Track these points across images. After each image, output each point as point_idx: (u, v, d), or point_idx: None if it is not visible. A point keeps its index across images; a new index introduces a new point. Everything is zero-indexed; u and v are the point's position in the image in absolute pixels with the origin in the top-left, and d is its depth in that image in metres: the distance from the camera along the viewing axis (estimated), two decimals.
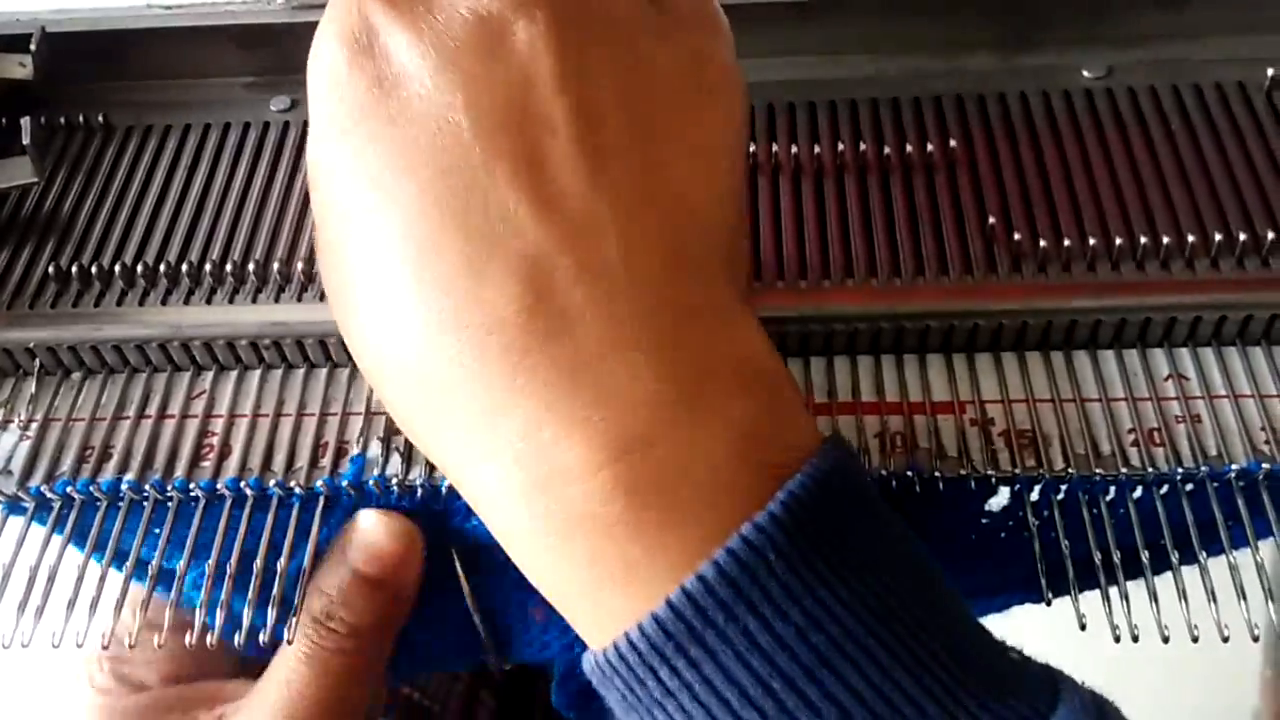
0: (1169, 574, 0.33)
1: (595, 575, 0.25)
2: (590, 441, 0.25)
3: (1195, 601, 0.32)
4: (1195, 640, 0.31)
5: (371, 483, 0.34)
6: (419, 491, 0.34)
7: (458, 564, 0.37)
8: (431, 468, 0.35)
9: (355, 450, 0.35)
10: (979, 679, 0.25)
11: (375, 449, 0.35)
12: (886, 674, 0.24)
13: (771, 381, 0.27)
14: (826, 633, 0.24)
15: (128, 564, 0.34)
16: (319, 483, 0.34)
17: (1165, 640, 0.31)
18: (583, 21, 0.28)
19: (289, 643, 0.33)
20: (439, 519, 0.35)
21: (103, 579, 0.33)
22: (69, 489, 0.35)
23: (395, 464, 0.35)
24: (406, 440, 0.35)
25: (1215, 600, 0.32)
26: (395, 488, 0.34)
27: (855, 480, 0.26)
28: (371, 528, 0.35)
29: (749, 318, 0.28)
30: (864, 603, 0.24)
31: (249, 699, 0.35)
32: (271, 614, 0.33)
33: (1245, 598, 0.32)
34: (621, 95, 0.28)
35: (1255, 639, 0.31)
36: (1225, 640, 0.32)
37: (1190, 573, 0.33)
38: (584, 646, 0.40)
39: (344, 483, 0.34)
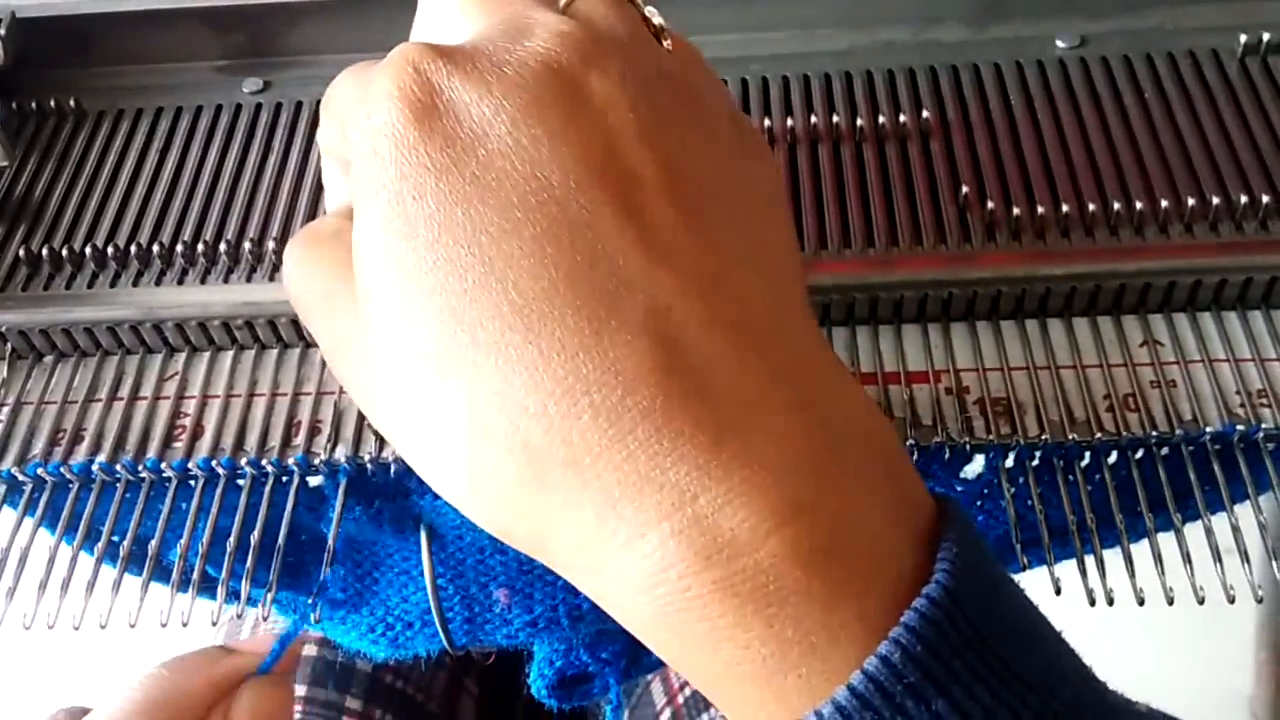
0: (1145, 541, 0.33)
1: (769, 656, 0.23)
2: (754, 506, 0.22)
3: (1171, 566, 0.32)
4: (1171, 603, 0.31)
5: (344, 459, 0.34)
6: (392, 468, 0.34)
7: (424, 543, 0.37)
8: None
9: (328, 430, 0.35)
10: None
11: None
12: None
13: (887, 439, 0.26)
14: (1013, 709, 0.22)
15: (99, 545, 0.34)
16: (292, 461, 0.34)
17: (1140, 603, 0.31)
18: (647, 77, 0.26)
19: (264, 619, 0.33)
20: (408, 497, 0.35)
21: (74, 560, 0.33)
22: (40, 471, 0.35)
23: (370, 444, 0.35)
24: None
25: (1191, 564, 0.32)
26: (370, 465, 0.34)
27: (983, 540, 0.25)
28: (253, 698, 0.36)
29: (849, 373, 0.27)
30: (1036, 674, 0.23)
31: None
32: (245, 587, 0.33)
33: (1221, 561, 0.32)
34: (695, 150, 0.26)
35: (1231, 601, 0.31)
36: (1201, 603, 0.31)
37: (1166, 539, 0.33)
38: (548, 627, 0.40)
39: (316, 461, 0.34)
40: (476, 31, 0.26)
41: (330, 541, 0.35)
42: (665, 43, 0.28)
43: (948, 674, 0.22)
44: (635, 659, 0.45)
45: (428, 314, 0.24)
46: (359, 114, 0.25)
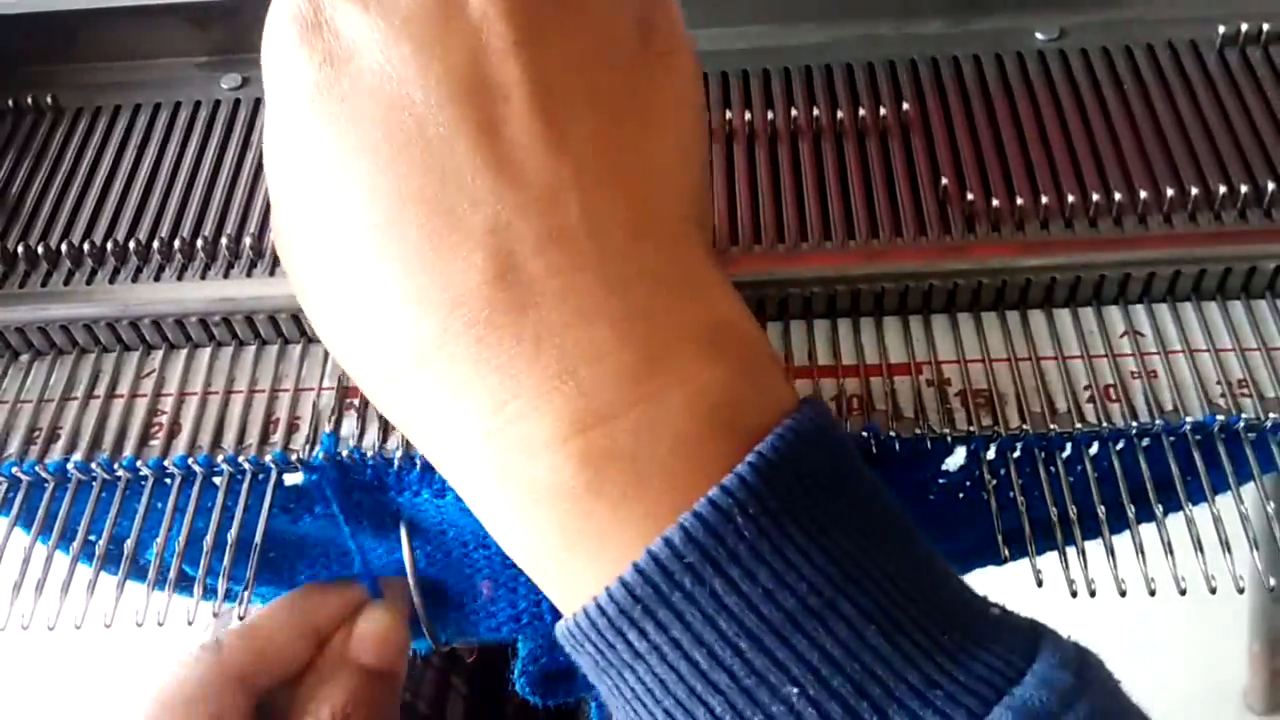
0: (1127, 532, 0.33)
1: (565, 545, 0.25)
2: (556, 414, 0.24)
3: (1153, 556, 0.32)
4: (1152, 593, 0.31)
5: (322, 456, 0.34)
6: (369, 466, 0.34)
7: (404, 538, 0.36)
8: (383, 440, 0.34)
9: (326, 427, 0.35)
10: (955, 634, 0.25)
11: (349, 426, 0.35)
12: (856, 632, 0.24)
13: (744, 346, 0.27)
14: (795, 592, 0.23)
15: (75, 544, 0.34)
16: (269, 458, 0.34)
17: (1122, 594, 0.31)
18: None
19: (240, 618, 0.33)
20: (388, 492, 0.35)
21: (49, 561, 0.33)
22: (15, 470, 0.34)
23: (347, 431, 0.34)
24: (359, 413, 0.35)
25: (1173, 554, 0.32)
26: (349, 460, 0.34)
27: (829, 441, 0.26)
28: (375, 623, 0.36)
29: (720, 280, 0.28)
30: (834, 562, 0.24)
31: None
32: (222, 586, 0.33)
33: (1203, 551, 0.32)
34: (575, 60, 0.27)
35: (1212, 591, 0.31)
36: (1183, 593, 0.31)
37: (1148, 529, 0.33)
38: (531, 622, 0.40)
39: (294, 458, 0.34)
40: None
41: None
42: None
43: (730, 557, 0.23)
44: None
45: (298, 225, 0.27)
46: (264, 35, 0.28)
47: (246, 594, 0.33)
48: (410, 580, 0.37)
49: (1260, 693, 1.19)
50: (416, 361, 0.25)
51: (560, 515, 0.25)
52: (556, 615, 0.40)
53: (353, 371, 0.28)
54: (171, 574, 0.33)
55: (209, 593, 0.33)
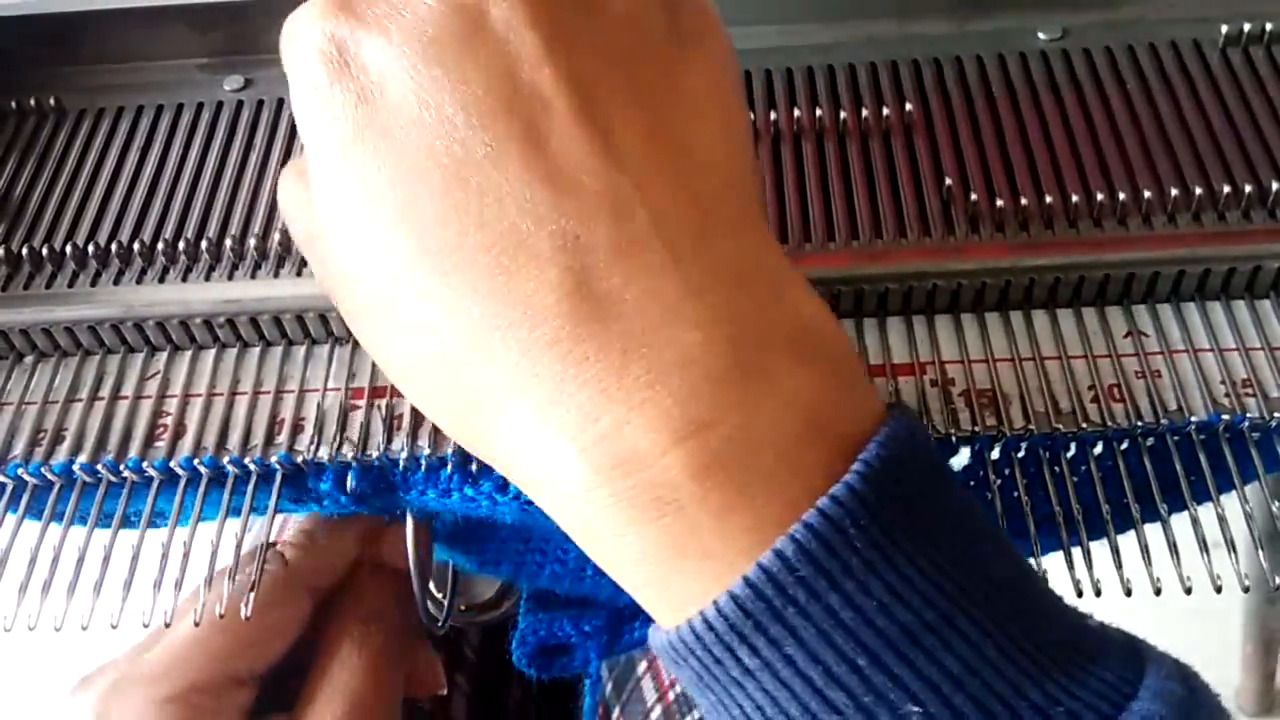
0: (1132, 532, 0.33)
1: (668, 560, 0.24)
2: (653, 424, 0.24)
3: (1158, 556, 0.32)
4: (1158, 594, 0.31)
5: (327, 458, 0.34)
6: (374, 467, 0.34)
7: (409, 527, 0.37)
8: (387, 442, 0.34)
9: (331, 429, 0.35)
10: (1066, 649, 0.24)
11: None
12: (976, 648, 0.23)
13: (829, 347, 0.26)
14: (911, 606, 0.23)
15: (80, 543, 0.34)
16: (275, 459, 0.34)
17: (1128, 594, 0.31)
18: None
19: (246, 620, 0.33)
20: (396, 492, 0.35)
21: (55, 562, 0.33)
22: (21, 472, 0.34)
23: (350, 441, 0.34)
24: (364, 415, 0.35)
25: (1178, 554, 0.32)
26: (354, 462, 0.34)
27: (925, 448, 0.25)
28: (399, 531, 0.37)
29: (794, 274, 0.27)
30: (948, 575, 0.23)
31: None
32: (228, 587, 0.33)
33: (1208, 551, 0.32)
34: (606, 57, 0.26)
35: (1218, 590, 0.31)
36: (1188, 593, 0.31)
37: (1153, 529, 0.33)
38: (527, 560, 0.40)
39: (299, 460, 0.34)
40: None
41: None
42: None
43: (844, 570, 0.23)
44: (616, 634, 0.45)
45: (355, 270, 0.26)
46: (289, 80, 0.27)
47: (251, 596, 0.33)
48: (411, 568, 0.37)
49: (1253, 694, 1.20)
50: (501, 388, 0.25)
51: (661, 529, 0.24)
52: (558, 559, 0.41)
53: (430, 410, 0.28)
54: (180, 575, 0.33)
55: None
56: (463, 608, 0.45)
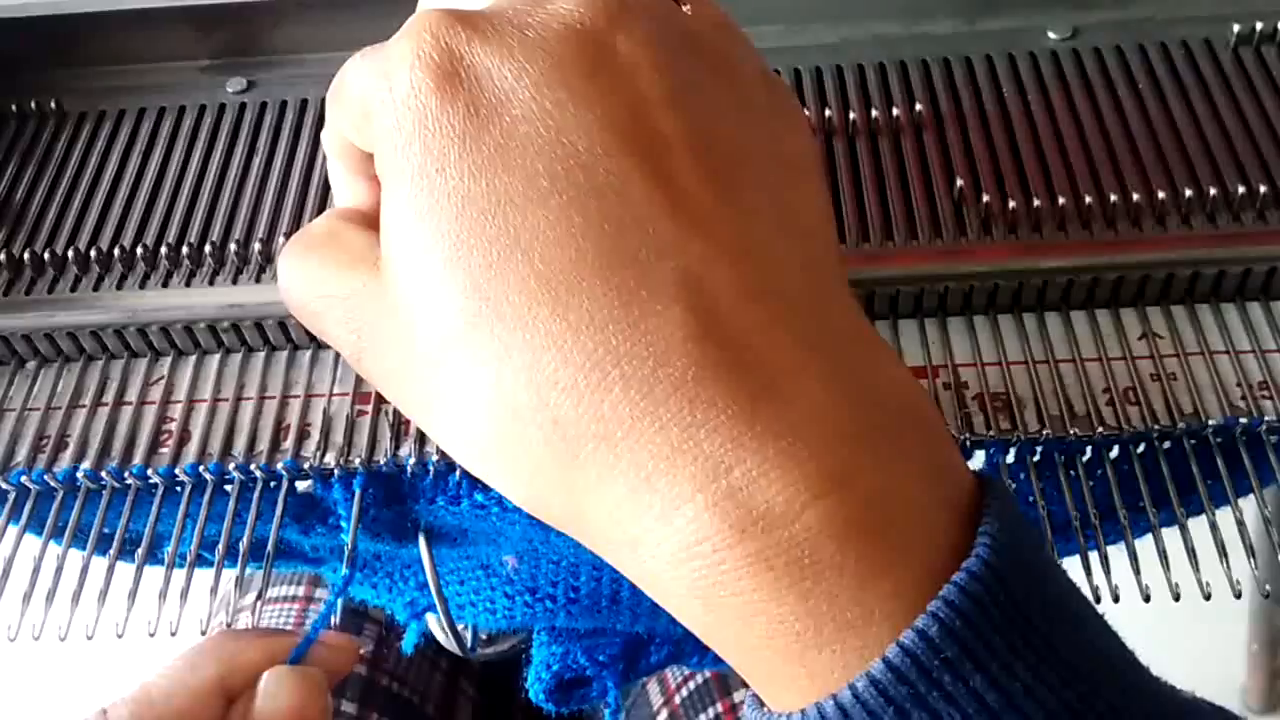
0: (1149, 536, 0.33)
1: (803, 631, 0.22)
2: (790, 478, 0.22)
3: (1176, 561, 0.31)
4: (1177, 599, 0.31)
5: (334, 464, 0.33)
6: (382, 474, 0.34)
7: (424, 550, 0.36)
8: (395, 449, 0.34)
9: (337, 435, 0.34)
10: None
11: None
12: None
13: (925, 410, 0.25)
14: (1053, 688, 0.21)
15: (89, 542, 0.33)
16: (280, 466, 0.34)
17: (1146, 599, 0.31)
18: (674, 38, 0.25)
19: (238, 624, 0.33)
20: (405, 502, 0.35)
21: (59, 570, 0.33)
22: (24, 479, 0.34)
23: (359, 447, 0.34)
24: (371, 423, 0.34)
25: (1196, 559, 0.32)
26: (361, 469, 0.34)
27: (1026, 518, 0.24)
28: (286, 688, 0.33)
29: (885, 344, 0.26)
30: (1079, 652, 0.22)
31: None
32: (234, 595, 0.32)
33: (1226, 556, 0.31)
34: (724, 113, 0.25)
35: (1238, 596, 0.31)
36: (1207, 598, 0.31)
37: (1171, 534, 0.33)
38: (543, 600, 0.40)
39: (306, 465, 0.33)
40: None
41: (351, 540, 0.34)
42: (685, 7, 0.27)
43: (987, 650, 0.21)
44: (633, 663, 0.44)
45: (453, 289, 0.24)
46: (380, 89, 0.25)
47: (259, 604, 0.33)
48: (432, 587, 0.37)
49: (1259, 692, 1.20)
50: (615, 433, 0.22)
51: (799, 595, 0.22)
52: (569, 600, 0.40)
53: (494, 465, 0.24)
54: (184, 584, 0.32)
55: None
56: (484, 637, 0.45)
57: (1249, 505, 0.32)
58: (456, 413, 0.24)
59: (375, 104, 0.25)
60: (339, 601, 0.36)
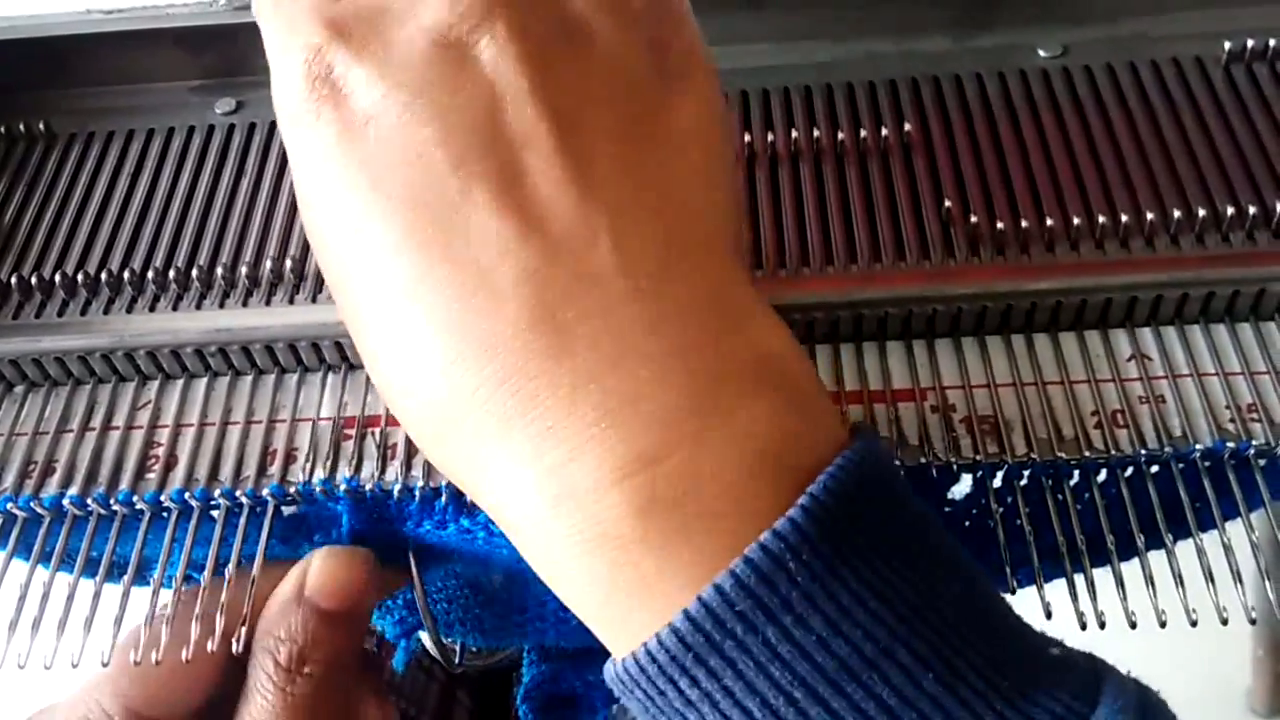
0: (1136, 560, 0.33)
1: (614, 591, 0.25)
2: (597, 461, 0.24)
3: (1162, 585, 0.31)
4: (1163, 626, 0.31)
5: (320, 490, 0.33)
6: (368, 498, 0.34)
7: (413, 569, 0.36)
8: (380, 472, 0.34)
9: (323, 458, 0.34)
10: (1015, 677, 0.24)
11: None
12: (913, 680, 0.23)
13: (791, 378, 0.26)
14: (849, 639, 0.23)
15: (70, 578, 0.33)
16: (266, 491, 0.34)
17: (1132, 626, 0.31)
18: (541, 28, 0.27)
19: (236, 652, 0.33)
20: (392, 524, 0.34)
21: (45, 598, 0.33)
22: (11, 505, 0.34)
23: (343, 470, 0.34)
24: (357, 445, 0.34)
25: (1183, 583, 0.31)
26: (345, 494, 0.34)
27: (882, 477, 0.26)
28: (329, 563, 0.34)
29: (761, 309, 0.27)
30: (892, 607, 0.24)
31: None
32: (221, 622, 0.32)
33: (1213, 581, 0.31)
34: (591, 93, 0.27)
35: (1224, 623, 0.31)
36: (1194, 625, 0.31)
37: (1157, 557, 0.32)
38: (533, 620, 0.40)
39: (292, 490, 0.33)
40: None
41: None
42: None
43: (783, 604, 0.23)
44: None
45: (336, 283, 0.27)
46: (274, 97, 0.28)
47: (242, 630, 0.33)
48: (420, 605, 0.37)
49: (1263, 695, 1.19)
50: (459, 416, 0.25)
51: (608, 563, 0.24)
52: (558, 620, 0.40)
53: (409, 430, 0.28)
54: (172, 609, 0.32)
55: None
56: (474, 649, 0.45)
57: (1237, 529, 0.32)
58: (377, 385, 0.28)
59: (272, 77, 0.28)
60: None
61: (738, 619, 0.23)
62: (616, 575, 0.24)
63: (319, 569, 0.34)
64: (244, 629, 0.33)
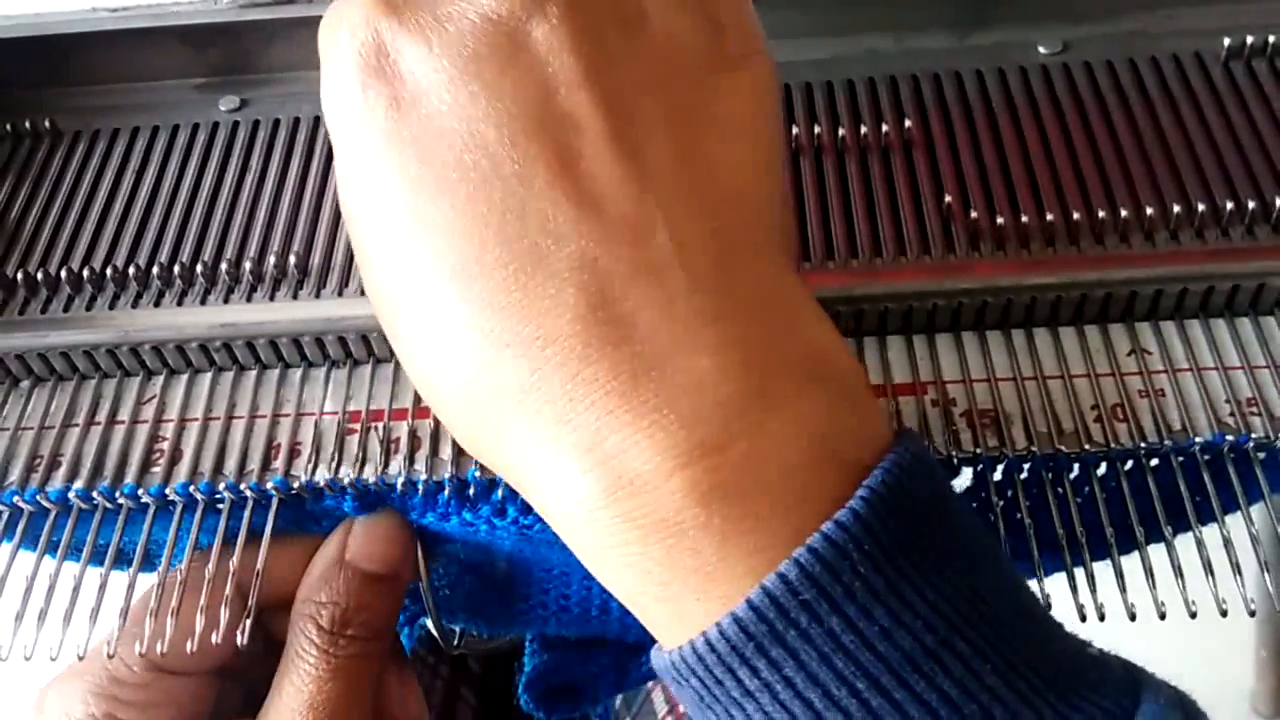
0: (1136, 553, 0.33)
1: (671, 581, 0.24)
2: (659, 448, 0.24)
3: (1162, 578, 0.31)
4: (1163, 618, 0.31)
5: (323, 483, 0.34)
6: (371, 491, 0.34)
7: (419, 553, 0.36)
8: (383, 467, 0.34)
9: (328, 453, 0.34)
10: (1064, 676, 0.24)
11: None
12: (974, 674, 0.23)
13: (840, 372, 0.26)
14: (911, 631, 0.23)
15: (76, 571, 0.34)
16: (271, 485, 0.34)
17: (1132, 618, 0.31)
18: (596, 8, 0.26)
19: (240, 645, 0.33)
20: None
21: (51, 590, 0.33)
22: (17, 499, 0.34)
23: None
24: (361, 440, 0.35)
25: (1183, 576, 0.32)
26: (349, 487, 0.34)
27: (932, 474, 0.26)
28: (371, 528, 0.35)
29: (810, 302, 0.27)
30: (949, 600, 0.24)
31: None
32: (225, 615, 0.32)
33: (1213, 573, 0.31)
34: (645, 79, 0.26)
35: (1223, 614, 0.31)
36: (1193, 616, 0.31)
37: (1157, 550, 0.33)
38: (535, 609, 0.40)
39: (296, 484, 0.34)
40: None
41: None
42: None
43: (846, 594, 0.23)
44: (624, 672, 0.44)
45: (378, 265, 0.27)
46: (323, 77, 0.27)
47: (247, 623, 0.33)
48: (423, 591, 0.37)
49: (1267, 696, 1.19)
50: (511, 404, 0.25)
51: (665, 551, 0.24)
52: (560, 609, 0.40)
53: (446, 419, 0.28)
54: (175, 601, 0.33)
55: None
56: (474, 633, 0.45)
57: (1237, 523, 0.32)
58: (411, 373, 0.28)
59: (322, 66, 0.27)
60: None
61: (802, 608, 0.23)
62: (674, 563, 0.24)
63: (360, 534, 0.34)
64: (258, 584, 0.33)
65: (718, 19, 0.28)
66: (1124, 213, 0.35)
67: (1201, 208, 0.35)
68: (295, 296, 0.36)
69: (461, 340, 0.25)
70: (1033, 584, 0.33)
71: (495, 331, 0.24)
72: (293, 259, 0.36)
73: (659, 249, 0.25)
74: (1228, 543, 0.32)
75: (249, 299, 0.36)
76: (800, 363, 0.25)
